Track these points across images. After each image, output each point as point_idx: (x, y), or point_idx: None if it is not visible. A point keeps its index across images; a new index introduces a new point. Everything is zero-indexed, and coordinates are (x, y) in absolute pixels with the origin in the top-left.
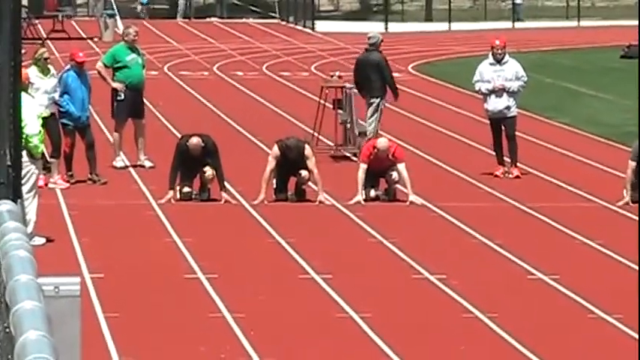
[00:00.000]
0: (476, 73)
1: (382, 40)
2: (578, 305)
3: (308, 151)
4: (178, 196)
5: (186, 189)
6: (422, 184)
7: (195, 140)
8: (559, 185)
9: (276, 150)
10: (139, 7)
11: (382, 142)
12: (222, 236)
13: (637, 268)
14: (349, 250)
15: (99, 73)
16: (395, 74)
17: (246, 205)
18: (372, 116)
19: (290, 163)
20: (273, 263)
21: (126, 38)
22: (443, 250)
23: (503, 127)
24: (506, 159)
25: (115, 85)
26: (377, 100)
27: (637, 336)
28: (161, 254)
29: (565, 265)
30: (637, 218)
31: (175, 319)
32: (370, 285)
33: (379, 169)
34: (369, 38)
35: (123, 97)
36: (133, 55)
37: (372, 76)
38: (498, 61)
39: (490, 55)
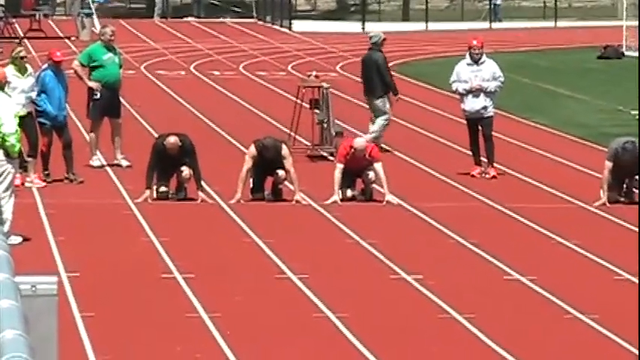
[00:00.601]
0: (453, 74)
1: (384, 39)
2: (554, 305)
3: (285, 150)
4: (155, 195)
5: (162, 188)
6: (398, 183)
7: (172, 139)
8: (536, 185)
9: (252, 149)
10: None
11: (359, 142)
12: (198, 236)
13: (613, 269)
14: (326, 251)
15: (75, 72)
16: None
17: (223, 205)
18: (380, 116)
19: (267, 162)
20: (250, 263)
21: (102, 37)
22: (419, 250)
23: (480, 127)
24: (483, 159)
25: (91, 84)
26: (379, 101)
27: (612, 336)
28: (138, 253)
29: (541, 265)
30: (613, 219)
31: (151, 319)
32: (347, 285)
33: (356, 169)
34: (370, 37)
35: (99, 96)
36: (110, 55)
37: (374, 76)
38: (476, 61)
39: (467, 56)
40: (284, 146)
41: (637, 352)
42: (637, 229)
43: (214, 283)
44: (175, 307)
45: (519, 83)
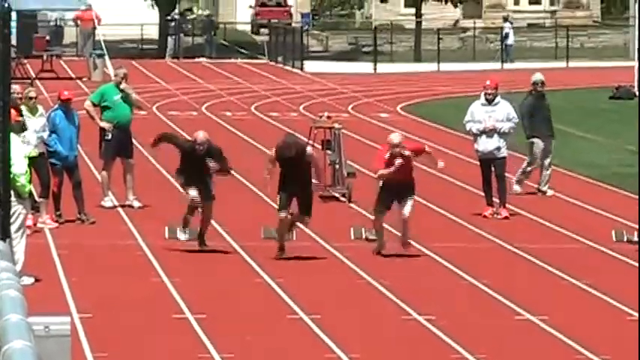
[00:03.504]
0: (467, 114)
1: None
2: (566, 346)
3: (310, 151)
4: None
5: (193, 192)
6: (411, 224)
7: (201, 134)
8: (547, 226)
9: (272, 153)
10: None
11: (395, 135)
12: (209, 276)
13: (625, 309)
14: (338, 290)
15: (87, 111)
16: (383, 115)
17: (235, 245)
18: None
19: (290, 163)
20: (262, 303)
21: (115, 79)
22: (431, 290)
23: (493, 168)
24: (495, 200)
25: (103, 124)
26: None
27: None
28: (150, 294)
29: (553, 305)
30: (624, 259)
31: (164, 359)
32: (359, 325)
33: (400, 178)
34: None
35: (110, 136)
36: (121, 95)
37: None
38: (490, 101)
39: (482, 96)
40: (309, 147)
41: None
42: None
43: (226, 324)
44: (187, 348)
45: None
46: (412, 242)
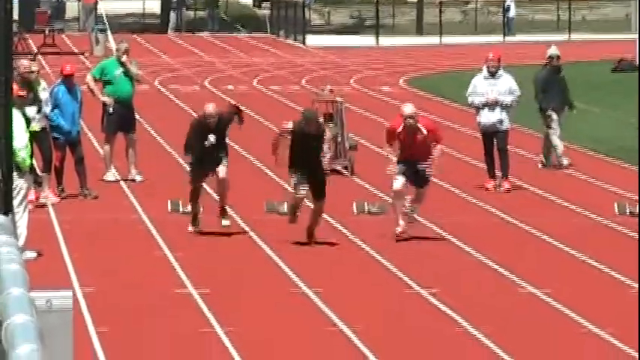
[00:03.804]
0: (470, 86)
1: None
2: (569, 320)
3: (328, 133)
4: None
5: (196, 174)
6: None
7: (211, 106)
8: (550, 199)
9: (289, 124)
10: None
11: (408, 106)
12: (213, 250)
13: (629, 282)
14: (340, 265)
15: (88, 86)
16: (385, 88)
17: (238, 220)
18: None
19: (307, 139)
20: (264, 277)
21: (117, 54)
22: (434, 264)
23: (495, 141)
24: (498, 173)
25: (104, 99)
26: None
27: (628, 349)
28: (152, 268)
29: (557, 279)
30: (628, 232)
31: (166, 334)
32: (361, 299)
33: (414, 153)
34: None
35: (112, 111)
36: (122, 70)
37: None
38: (492, 74)
39: (484, 69)
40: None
41: None
42: None
43: (229, 298)
44: (189, 322)
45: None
46: (417, 216)
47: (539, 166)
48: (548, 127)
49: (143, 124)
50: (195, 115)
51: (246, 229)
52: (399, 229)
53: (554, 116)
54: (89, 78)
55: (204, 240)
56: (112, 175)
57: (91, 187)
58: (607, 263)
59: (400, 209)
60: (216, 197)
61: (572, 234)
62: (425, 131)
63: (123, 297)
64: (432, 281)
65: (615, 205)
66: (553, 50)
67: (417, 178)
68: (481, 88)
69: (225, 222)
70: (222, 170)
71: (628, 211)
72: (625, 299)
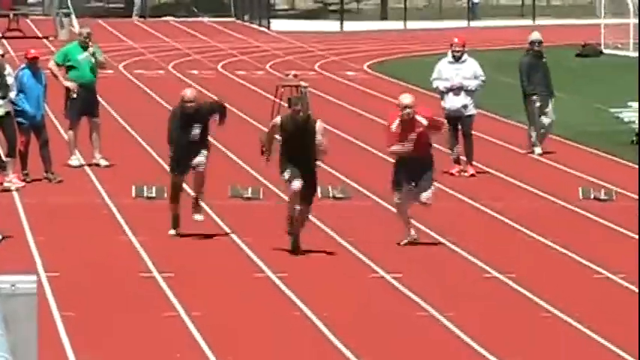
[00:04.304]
0: (434, 71)
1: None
2: (533, 303)
3: (319, 124)
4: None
5: (177, 169)
6: (377, 183)
7: (189, 91)
8: (514, 183)
9: (277, 120)
10: None
11: (406, 96)
12: (177, 235)
13: (594, 267)
14: (305, 249)
15: (51, 71)
16: (350, 73)
17: (204, 205)
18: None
19: (297, 131)
20: (228, 261)
21: (79, 38)
22: (398, 249)
23: (460, 126)
24: (462, 158)
25: (67, 83)
26: None
27: (592, 334)
28: (117, 253)
29: (520, 263)
30: (592, 217)
31: (131, 318)
32: (327, 284)
33: (413, 157)
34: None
35: (75, 95)
36: (85, 55)
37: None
38: (457, 59)
39: (449, 54)
40: (318, 122)
41: (615, 350)
42: (617, 228)
43: (193, 283)
44: (155, 307)
45: (498, 82)
46: (380, 200)
47: (537, 151)
48: (533, 113)
49: (107, 109)
50: (160, 100)
51: (210, 213)
52: (410, 238)
53: (537, 102)
54: (52, 64)
55: (168, 224)
56: (76, 159)
57: (55, 172)
58: (571, 247)
59: (407, 221)
60: (190, 191)
61: (536, 218)
62: (425, 121)
63: (88, 281)
64: (397, 266)
65: (580, 189)
66: (535, 35)
67: (418, 172)
68: (446, 72)
69: (198, 217)
70: (200, 164)
71: (592, 195)
72: (589, 283)
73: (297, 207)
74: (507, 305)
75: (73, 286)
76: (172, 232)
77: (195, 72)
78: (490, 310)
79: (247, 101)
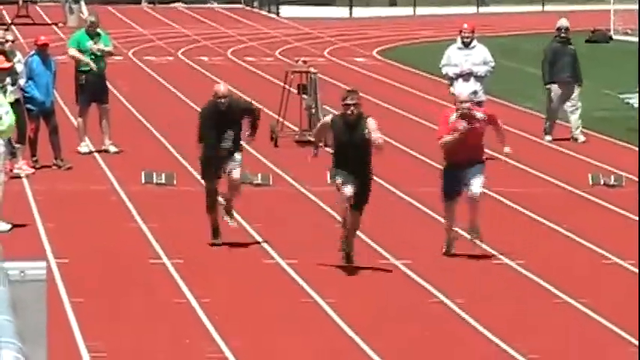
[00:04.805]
0: (444, 57)
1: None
2: (543, 290)
3: (371, 122)
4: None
5: (208, 177)
6: (387, 169)
7: (222, 86)
8: (524, 170)
9: (327, 119)
10: None
11: (463, 93)
12: (186, 221)
13: (603, 252)
14: (313, 235)
15: (74, 57)
16: (359, 59)
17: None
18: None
19: (348, 132)
20: (238, 247)
21: (86, 25)
22: (408, 234)
23: None
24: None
25: (91, 63)
26: None
27: (602, 320)
28: (126, 239)
29: (530, 249)
30: (600, 202)
31: (140, 304)
32: (334, 270)
33: (465, 151)
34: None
35: (85, 81)
36: (90, 43)
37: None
38: (466, 45)
39: (458, 40)
40: (370, 118)
41: (625, 336)
42: (626, 214)
43: (202, 269)
44: (164, 293)
45: (507, 68)
46: (391, 187)
47: (547, 139)
48: (550, 101)
49: (117, 96)
50: (169, 86)
51: (220, 199)
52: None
53: (556, 90)
54: (72, 51)
55: (177, 211)
56: (85, 146)
57: (65, 158)
58: (580, 233)
59: (452, 232)
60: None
61: (545, 204)
62: (482, 116)
63: (97, 268)
64: (407, 252)
65: (589, 175)
66: (562, 22)
67: (469, 167)
68: (455, 58)
69: (231, 223)
70: (234, 170)
71: (602, 181)
72: (597, 269)
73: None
74: (517, 291)
75: (83, 272)
76: (213, 241)
77: (205, 58)
78: (500, 296)
79: (256, 88)
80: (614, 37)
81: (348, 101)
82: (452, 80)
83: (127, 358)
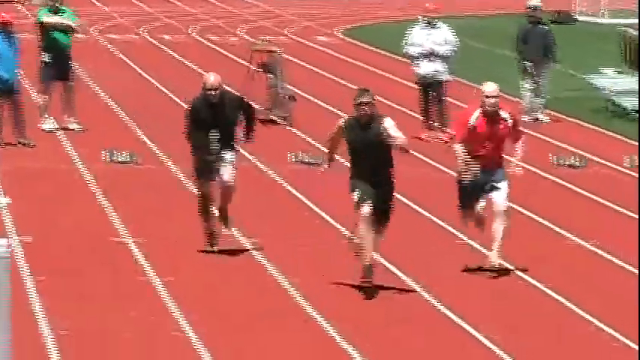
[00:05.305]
0: (407, 37)
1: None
2: (504, 270)
3: (388, 121)
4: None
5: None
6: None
7: (212, 77)
8: None
9: (340, 122)
10: None
11: (490, 85)
12: (150, 200)
13: (566, 234)
14: (276, 215)
15: (50, 23)
16: (322, 38)
17: (174, 171)
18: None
19: (362, 134)
20: (199, 226)
21: (49, 3)
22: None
23: (433, 92)
24: (434, 124)
25: (68, 22)
26: None
27: (565, 301)
28: (89, 218)
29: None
30: (566, 184)
31: (103, 283)
32: (300, 249)
33: (487, 158)
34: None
35: (47, 59)
36: (56, 18)
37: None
38: (430, 24)
39: (421, 19)
40: (386, 118)
41: (586, 317)
42: (589, 195)
43: (165, 248)
44: (126, 271)
45: (473, 49)
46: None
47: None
48: (522, 79)
49: (80, 74)
50: (133, 65)
51: (181, 177)
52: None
53: (529, 69)
54: (45, 19)
55: (140, 190)
56: (49, 123)
57: (29, 136)
58: (543, 214)
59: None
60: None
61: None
62: (510, 120)
63: (61, 246)
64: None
65: (553, 156)
66: (532, 1)
67: (491, 176)
68: (418, 38)
69: (226, 231)
70: (226, 172)
71: (565, 162)
72: (562, 250)
73: (367, 238)
74: (478, 273)
75: (46, 250)
76: (208, 248)
77: (168, 37)
78: (458, 276)
79: (220, 66)
80: (579, 18)
81: (362, 100)
82: (415, 60)
83: (91, 336)
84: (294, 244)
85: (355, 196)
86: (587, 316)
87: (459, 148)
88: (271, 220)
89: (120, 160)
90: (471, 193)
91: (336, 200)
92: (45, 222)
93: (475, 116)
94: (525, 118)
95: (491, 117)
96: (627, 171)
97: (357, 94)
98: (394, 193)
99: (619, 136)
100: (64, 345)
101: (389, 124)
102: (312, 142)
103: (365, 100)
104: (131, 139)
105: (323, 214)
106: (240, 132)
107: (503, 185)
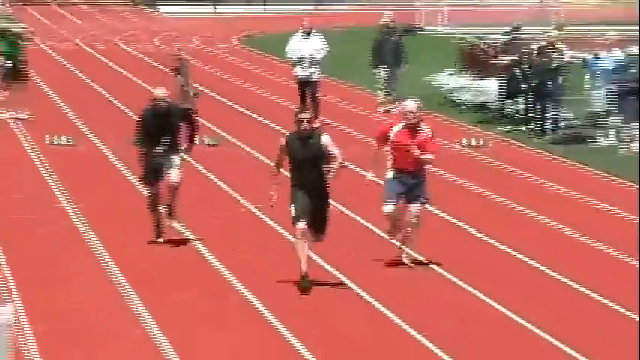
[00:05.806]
0: (288, 46)
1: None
2: (385, 243)
3: (325, 137)
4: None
5: (150, 182)
6: (237, 135)
7: (160, 90)
8: (357, 138)
9: (281, 140)
10: None
11: (410, 102)
12: (85, 173)
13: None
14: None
15: None
16: (222, 46)
17: (107, 154)
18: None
19: (304, 156)
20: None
21: None
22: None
23: (309, 89)
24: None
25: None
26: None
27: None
28: (36, 189)
29: (349, 198)
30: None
31: (48, 243)
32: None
33: (408, 159)
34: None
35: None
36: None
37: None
38: (305, 36)
39: (299, 32)
40: (323, 134)
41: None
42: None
43: (102, 215)
44: (65, 234)
45: (340, 55)
46: (251, 151)
47: (382, 109)
48: (379, 79)
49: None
50: (70, 67)
51: (111, 156)
52: (404, 258)
53: (383, 72)
54: None
55: (76, 164)
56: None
57: None
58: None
59: (397, 235)
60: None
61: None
62: (428, 132)
63: (11, 216)
64: (257, 199)
65: (464, 140)
66: (386, 17)
67: (411, 188)
68: (296, 46)
69: (175, 224)
70: (174, 173)
71: (472, 142)
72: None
73: (304, 246)
74: (373, 249)
75: None
76: (157, 239)
77: (101, 46)
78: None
79: (139, 69)
80: (425, 28)
81: (303, 117)
82: (295, 63)
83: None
84: (242, 247)
85: (292, 212)
86: (495, 303)
87: (375, 153)
88: (198, 205)
89: (59, 142)
90: (392, 189)
91: (240, 178)
92: None
93: (398, 128)
94: (381, 109)
95: (411, 129)
96: (460, 150)
97: (298, 110)
98: (329, 202)
99: (455, 123)
100: None
101: (327, 141)
102: (214, 128)
103: (306, 117)
104: (70, 126)
105: (258, 213)
106: (183, 138)
107: (419, 199)
